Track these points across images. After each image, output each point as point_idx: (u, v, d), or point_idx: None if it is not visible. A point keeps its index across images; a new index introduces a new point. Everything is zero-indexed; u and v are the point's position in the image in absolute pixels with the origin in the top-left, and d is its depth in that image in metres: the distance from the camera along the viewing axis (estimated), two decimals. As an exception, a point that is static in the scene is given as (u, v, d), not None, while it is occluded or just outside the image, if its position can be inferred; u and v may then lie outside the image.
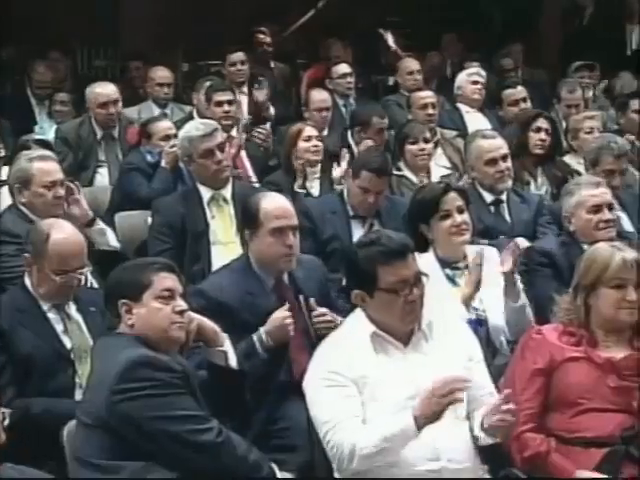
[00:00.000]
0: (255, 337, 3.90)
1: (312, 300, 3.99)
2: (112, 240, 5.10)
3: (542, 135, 6.02)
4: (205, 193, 5.05)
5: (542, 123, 6.05)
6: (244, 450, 3.26)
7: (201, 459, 3.17)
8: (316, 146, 5.95)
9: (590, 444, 3.43)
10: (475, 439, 3.35)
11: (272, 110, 7.35)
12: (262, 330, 3.90)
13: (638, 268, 3.55)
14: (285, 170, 5.96)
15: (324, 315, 3.98)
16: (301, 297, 4.06)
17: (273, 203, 4.12)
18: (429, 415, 3.16)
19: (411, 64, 8.10)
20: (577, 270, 3.66)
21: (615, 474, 3.37)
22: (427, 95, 7.00)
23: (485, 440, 3.33)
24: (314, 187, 5.89)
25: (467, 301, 4.14)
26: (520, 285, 4.19)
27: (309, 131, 6.00)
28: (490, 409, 3.22)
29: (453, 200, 4.34)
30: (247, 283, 4.04)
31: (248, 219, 4.14)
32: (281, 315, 3.89)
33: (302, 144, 5.93)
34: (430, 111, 6.87)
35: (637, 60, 8.85)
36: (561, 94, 7.36)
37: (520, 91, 7.22)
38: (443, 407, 3.15)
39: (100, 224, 5.07)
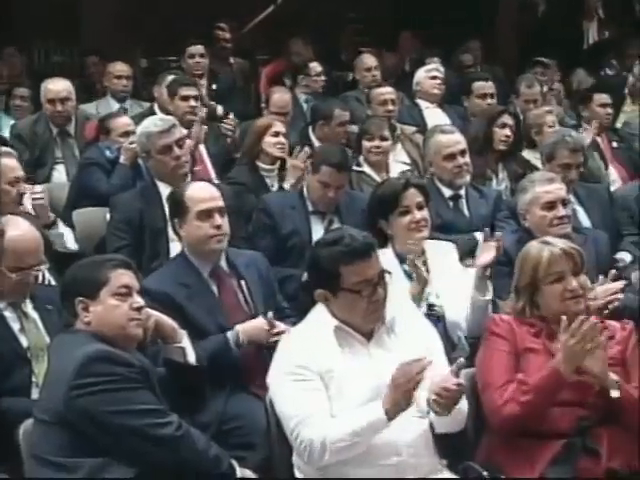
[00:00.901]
0: (230, 334, 3.95)
1: (270, 314, 3.99)
2: (70, 242, 5.07)
3: (507, 131, 6.07)
4: (164, 189, 5.02)
5: (507, 119, 6.11)
6: (204, 444, 3.26)
7: (161, 453, 3.17)
8: (282, 143, 5.93)
9: (547, 437, 3.46)
10: (432, 428, 3.37)
11: (220, 109, 7.31)
12: (239, 328, 3.94)
13: (568, 256, 3.58)
14: (248, 165, 5.92)
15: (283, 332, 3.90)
16: (242, 282, 4.09)
17: (197, 188, 4.23)
18: (398, 404, 3.17)
19: (369, 60, 8.13)
20: (515, 272, 3.69)
21: (572, 466, 3.40)
22: (386, 91, 7.02)
23: (438, 425, 3.34)
24: (275, 185, 5.87)
25: (415, 297, 4.15)
26: (490, 281, 4.21)
27: (278, 127, 5.99)
28: (438, 381, 3.20)
29: (413, 196, 4.35)
30: (183, 274, 4.08)
31: (175, 208, 4.22)
32: (262, 322, 3.94)
33: (269, 139, 5.90)
34: (390, 107, 6.89)
35: (593, 56, 8.93)
36: (520, 89, 7.41)
37: (490, 86, 7.26)
38: (410, 394, 3.16)
39: (60, 227, 5.03)
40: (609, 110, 7.19)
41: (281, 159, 5.88)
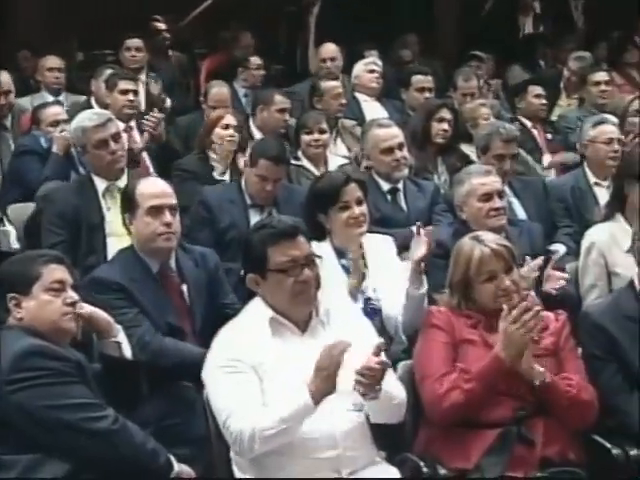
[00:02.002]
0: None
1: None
2: (13, 241, 4.99)
3: (445, 125, 6.08)
4: (100, 184, 4.97)
5: (445, 113, 6.12)
6: (141, 439, 3.25)
7: (97, 447, 3.16)
8: (232, 136, 5.95)
9: (483, 427, 3.49)
10: (369, 421, 3.38)
11: (168, 102, 7.27)
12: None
13: (499, 256, 3.61)
14: (199, 155, 5.94)
15: None
16: (184, 287, 4.06)
17: (149, 184, 4.18)
18: (323, 387, 3.19)
19: (329, 51, 8.02)
20: (449, 267, 3.72)
21: (507, 455, 3.44)
22: (339, 85, 6.98)
23: (372, 414, 3.35)
24: (224, 177, 5.86)
25: (353, 291, 4.16)
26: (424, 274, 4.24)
27: (229, 119, 6.00)
28: (364, 362, 3.21)
29: (353, 191, 4.35)
30: (132, 269, 4.04)
31: (126, 203, 4.17)
32: None
33: (219, 131, 5.92)
34: (343, 101, 6.89)
35: (528, 50, 9.03)
36: (457, 83, 7.46)
37: (428, 80, 7.29)
38: (333, 377, 3.17)
39: (6, 225, 4.96)
40: (543, 101, 7.29)
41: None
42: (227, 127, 5.94)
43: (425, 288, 4.13)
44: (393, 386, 3.36)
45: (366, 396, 3.23)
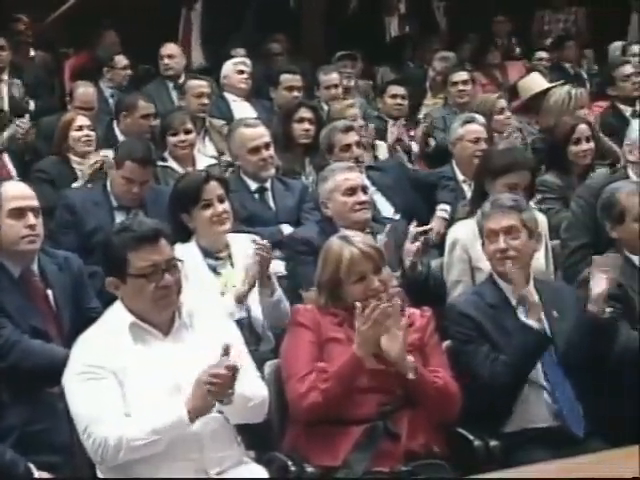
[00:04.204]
0: None
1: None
2: None
3: (305, 125, 6.09)
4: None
5: (304, 113, 6.13)
6: (-2, 450, 3.16)
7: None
8: (88, 136, 5.87)
9: (349, 423, 3.53)
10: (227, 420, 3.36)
11: (32, 104, 7.10)
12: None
13: (368, 257, 3.64)
14: (58, 159, 5.85)
15: None
16: (49, 291, 3.98)
17: (11, 186, 4.12)
18: (201, 408, 3.18)
19: (170, 50, 8.00)
20: (318, 266, 3.74)
21: (374, 450, 3.48)
22: (202, 84, 6.96)
23: (230, 416, 3.32)
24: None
25: (241, 299, 4.15)
26: (275, 280, 4.24)
27: (81, 120, 5.93)
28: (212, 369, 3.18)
29: (214, 189, 4.34)
30: None
31: None
32: None
33: (74, 133, 5.86)
34: (204, 100, 6.85)
35: (395, 50, 9.16)
36: (319, 78, 7.52)
37: (297, 79, 7.29)
38: (213, 398, 3.16)
39: None
40: (398, 101, 7.38)
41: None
42: (81, 128, 5.88)
43: (277, 295, 4.15)
44: (249, 387, 3.33)
45: (219, 401, 3.21)
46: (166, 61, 7.90)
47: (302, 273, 4.37)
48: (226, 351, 3.18)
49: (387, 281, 3.72)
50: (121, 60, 7.95)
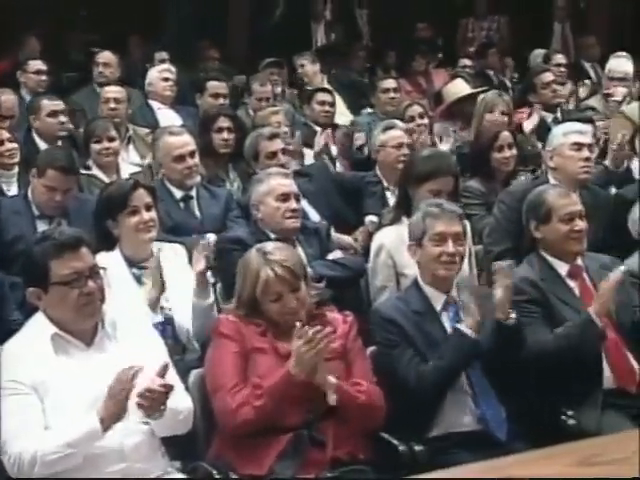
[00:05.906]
0: None
1: None
2: None
3: (224, 134, 6.02)
4: None
5: (223, 122, 6.07)
6: None
7: None
8: (9, 149, 5.76)
9: (276, 432, 3.50)
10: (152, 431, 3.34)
11: None
12: None
13: (283, 280, 3.59)
14: None
15: None
16: None
17: None
18: (113, 414, 3.14)
19: (104, 58, 7.90)
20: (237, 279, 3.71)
21: (300, 458, 3.47)
22: (111, 90, 6.90)
23: (157, 429, 3.30)
24: (12, 190, 5.67)
25: (153, 304, 4.11)
26: (210, 284, 4.21)
27: (1, 135, 5.79)
28: (146, 384, 3.16)
29: (141, 196, 4.31)
30: None
31: None
32: None
33: None
34: (112, 105, 6.78)
35: (323, 57, 9.19)
36: (252, 88, 7.51)
37: (222, 86, 7.28)
38: (124, 403, 3.13)
39: None
40: (326, 108, 7.40)
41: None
42: (2, 143, 5.76)
43: (211, 299, 4.13)
44: (179, 400, 3.31)
45: (150, 416, 3.19)
46: (100, 69, 7.81)
47: (232, 272, 4.32)
48: (163, 370, 3.16)
49: (305, 298, 3.67)
50: (35, 64, 7.73)
